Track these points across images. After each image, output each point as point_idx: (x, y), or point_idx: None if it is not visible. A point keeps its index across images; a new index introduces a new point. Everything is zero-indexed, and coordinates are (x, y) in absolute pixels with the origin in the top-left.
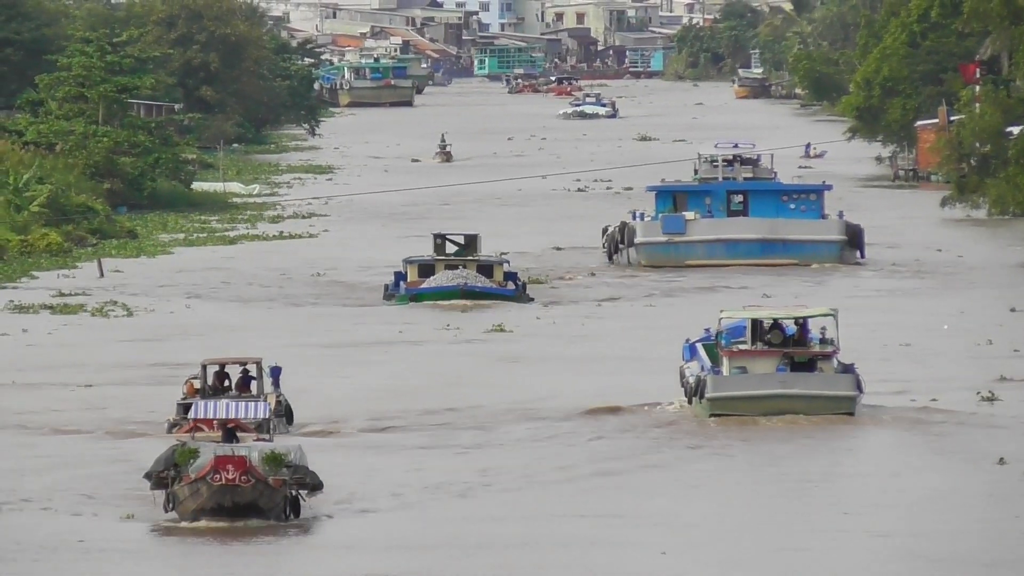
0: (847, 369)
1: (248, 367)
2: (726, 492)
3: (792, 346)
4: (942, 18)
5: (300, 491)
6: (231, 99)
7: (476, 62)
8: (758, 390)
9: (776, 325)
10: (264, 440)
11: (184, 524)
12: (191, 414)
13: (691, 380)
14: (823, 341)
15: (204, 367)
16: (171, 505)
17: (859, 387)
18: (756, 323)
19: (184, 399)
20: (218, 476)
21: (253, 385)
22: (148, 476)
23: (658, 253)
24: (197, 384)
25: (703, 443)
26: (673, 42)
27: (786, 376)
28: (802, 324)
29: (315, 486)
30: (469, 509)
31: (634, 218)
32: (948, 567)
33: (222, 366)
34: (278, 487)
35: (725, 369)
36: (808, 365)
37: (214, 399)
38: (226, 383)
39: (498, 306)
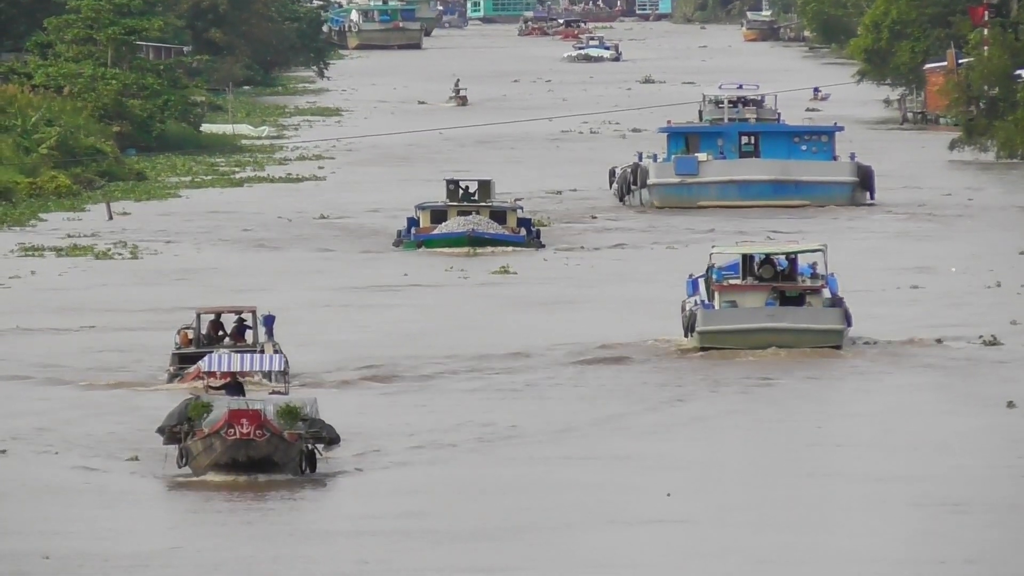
0: (835, 303)
1: (244, 316)
2: (730, 433)
3: (782, 281)
4: None
5: (316, 445)
6: (240, 41)
7: (470, 4)
8: (747, 324)
9: (768, 260)
10: (279, 393)
11: (198, 479)
12: (204, 366)
13: (688, 315)
14: (814, 276)
15: (199, 316)
16: (184, 460)
17: (847, 320)
18: (747, 258)
19: (178, 349)
20: (232, 430)
21: (248, 334)
22: (161, 431)
23: (671, 194)
24: (191, 334)
25: (704, 383)
26: None
27: (775, 310)
28: (792, 259)
29: (331, 440)
30: (480, 458)
31: (640, 160)
32: (953, 510)
33: (217, 315)
34: (294, 441)
35: (716, 303)
36: (797, 299)
37: (227, 351)
38: (220, 332)
39: (508, 251)
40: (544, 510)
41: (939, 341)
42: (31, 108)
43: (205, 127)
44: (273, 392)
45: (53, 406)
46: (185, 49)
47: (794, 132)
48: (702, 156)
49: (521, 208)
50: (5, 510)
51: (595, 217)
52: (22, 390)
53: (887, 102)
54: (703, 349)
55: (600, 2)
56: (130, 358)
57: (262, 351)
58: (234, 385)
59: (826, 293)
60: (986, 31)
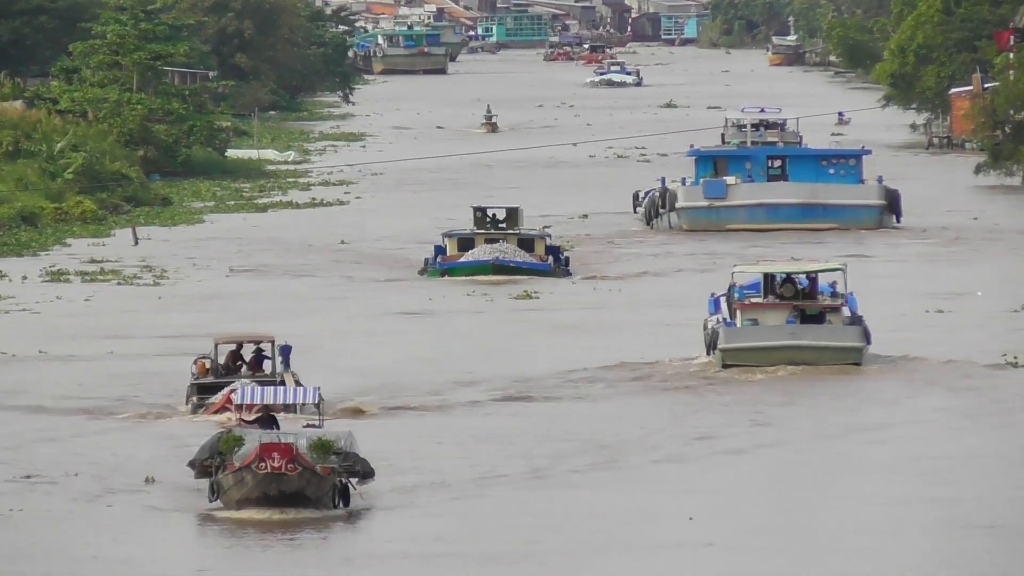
0: (855, 321)
1: (263, 345)
2: (751, 456)
3: (802, 299)
4: None
5: (350, 479)
6: (265, 66)
7: (481, 30)
8: (768, 341)
9: (788, 279)
10: (313, 426)
11: (229, 514)
12: (236, 399)
13: (710, 333)
14: (834, 294)
15: (216, 345)
16: (215, 494)
17: (867, 338)
18: (768, 277)
19: (196, 379)
20: (263, 464)
21: (267, 364)
22: (192, 464)
23: (700, 218)
24: (208, 364)
25: (725, 405)
26: (707, 9)
27: (795, 328)
28: (813, 278)
29: (366, 474)
30: (507, 485)
31: (664, 184)
32: (978, 534)
33: (239, 345)
34: (326, 475)
35: (738, 321)
36: (818, 317)
37: (251, 382)
38: (239, 362)
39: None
40: (566, 534)
41: (963, 364)
42: (56, 133)
43: (230, 152)
44: (307, 425)
45: (77, 433)
46: (211, 74)
47: (822, 156)
48: (730, 180)
49: (549, 236)
50: (30, 534)
51: (613, 242)
52: (46, 416)
53: (913, 127)
54: (725, 366)
55: (611, 28)
56: (153, 386)
57: (282, 382)
58: (267, 418)
59: (846, 311)
60: (1012, 55)
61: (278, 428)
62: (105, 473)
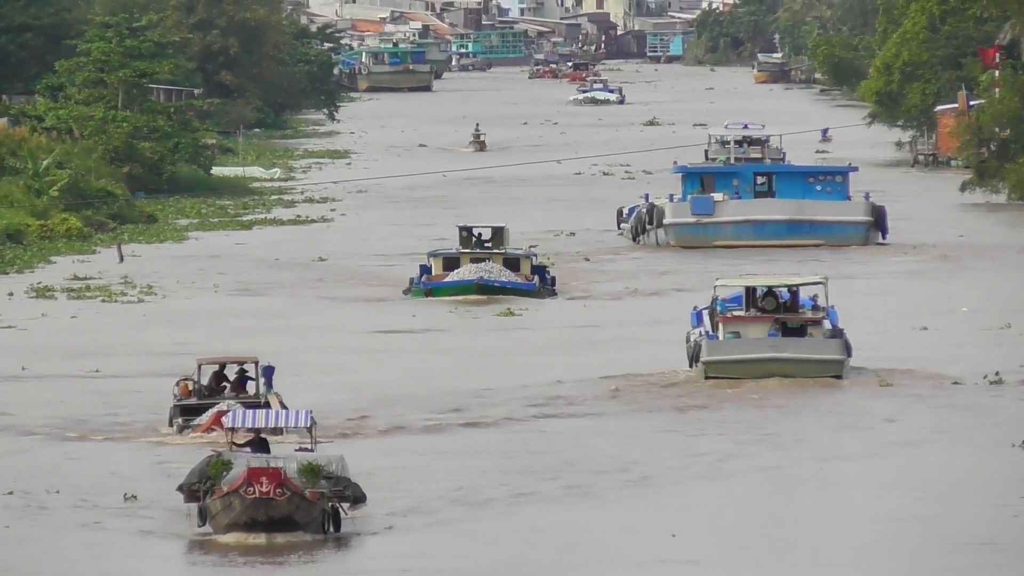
0: (836, 334)
1: (246, 366)
2: (735, 472)
3: (784, 312)
4: (961, 3)
5: (341, 504)
6: (250, 84)
7: (456, 47)
8: (750, 354)
9: (770, 292)
10: (305, 450)
11: (217, 539)
12: (227, 422)
13: (692, 346)
14: (815, 308)
15: (200, 366)
16: (203, 519)
17: (847, 351)
18: (750, 290)
19: (179, 400)
20: (251, 489)
21: (250, 385)
22: (181, 489)
23: (687, 234)
24: (191, 385)
25: (709, 421)
26: (693, 27)
27: (777, 340)
28: (794, 291)
29: (357, 498)
30: (491, 505)
31: (648, 200)
32: (964, 550)
33: (221, 366)
34: (315, 500)
35: (720, 334)
36: (799, 330)
37: (238, 404)
38: (223, 383)
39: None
40: (552, 551)
41: (947, 381)
42: (42, 151)
43: (216, 170)
44: (299, 449)
45: (61, 452)
46: (196, 92)
47: (809, 172)
48: (718, 196)
49: (535, 255)
50: (13, 553)
51: (597, 259)
52: (30, 435)
53: (898, 144)
54: (707, 379)
55: (584, 45)
56: (138, 405)
57: (266, 403)
58: (258, 442)
59: (827, 324)
60: (997, 73)
61: (269, 452)
62: (89, 493)
